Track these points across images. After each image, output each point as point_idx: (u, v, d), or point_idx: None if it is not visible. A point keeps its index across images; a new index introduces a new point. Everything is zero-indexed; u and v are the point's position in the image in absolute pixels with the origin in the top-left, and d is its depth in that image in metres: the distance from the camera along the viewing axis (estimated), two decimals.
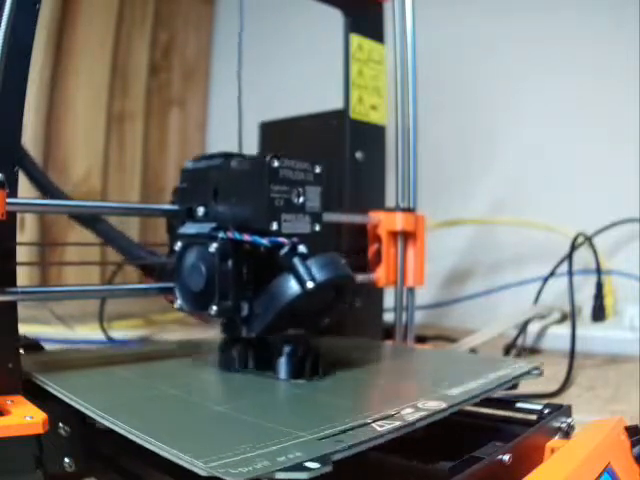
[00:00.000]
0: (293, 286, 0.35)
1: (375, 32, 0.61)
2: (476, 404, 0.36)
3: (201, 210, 0.40)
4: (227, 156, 0.40)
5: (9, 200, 0.32)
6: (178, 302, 0.39)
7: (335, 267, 0.36)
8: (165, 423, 0.28)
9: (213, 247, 0.37)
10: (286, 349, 0.37)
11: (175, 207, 0.42)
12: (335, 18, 0.60)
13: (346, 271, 0.37)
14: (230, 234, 0.37)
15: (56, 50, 1.16)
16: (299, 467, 0.22)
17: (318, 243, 0.39)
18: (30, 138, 1.10)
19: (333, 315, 0.39)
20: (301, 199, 0.38)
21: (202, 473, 0.22)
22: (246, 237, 0.37)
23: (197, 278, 0.37)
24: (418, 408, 0.30)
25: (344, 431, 0.26)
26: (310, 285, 0.35)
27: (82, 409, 0.30)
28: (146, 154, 1.35)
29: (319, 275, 0.35)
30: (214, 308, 0.37)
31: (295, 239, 0.37)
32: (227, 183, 0.39)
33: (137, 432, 0.26)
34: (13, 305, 0.34)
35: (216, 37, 1.49)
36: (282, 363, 0.37)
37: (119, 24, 1.27)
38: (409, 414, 0.29)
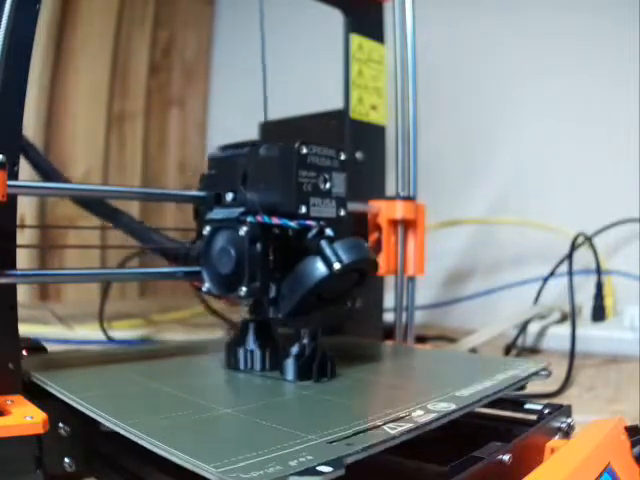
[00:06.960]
0: (320, 267, 0.36)
1: (375, 32, 0.61)
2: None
3: (230, 196, 0.41)
4: (254, 144, 0.41)
5: (10, 182, 0.32)
6: (206, 285, 0.40)
7: (360, 250, 0.37)
8: (171, 425, 0.28)
9: (243, 230, 0.38)
10: (293, 350, 0.37)
11: (203, 193, 0.43)
12: (335, 18, 0.60)
13: (371, 254, 0.39)
14: (260, 218, 0.38)
15: (56, 50, 1.16)
16: (312, 471, 0.22)
17: (342, 228, 0.40)
18: (30, 138, 1.10)
19: (355, 299, 0.40)
20: (327, 185, 0.39)
21: (212, 478, 0.21)
22: (275, 220, 0.37)
23: (226, 261, 0.39)
24: (428, 410, 0.29)
25: (355, 434, 0.26)
26: (337, 266, 0.36)
27: (83, 409, 0.30)
28: (146, 154, 1.35)
29: (345, 257, 0.36)
30: (243, 289, 0.38)
31: (322, 222, 0.38)
32: (256, 169, 0.40)
33: (141, 434, 0.26)
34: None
35: (216, 37, 1.49)
36: (289, 364, 0.37)
37: (119, 24, 1.27)
38: (420, 416, 0.28)
